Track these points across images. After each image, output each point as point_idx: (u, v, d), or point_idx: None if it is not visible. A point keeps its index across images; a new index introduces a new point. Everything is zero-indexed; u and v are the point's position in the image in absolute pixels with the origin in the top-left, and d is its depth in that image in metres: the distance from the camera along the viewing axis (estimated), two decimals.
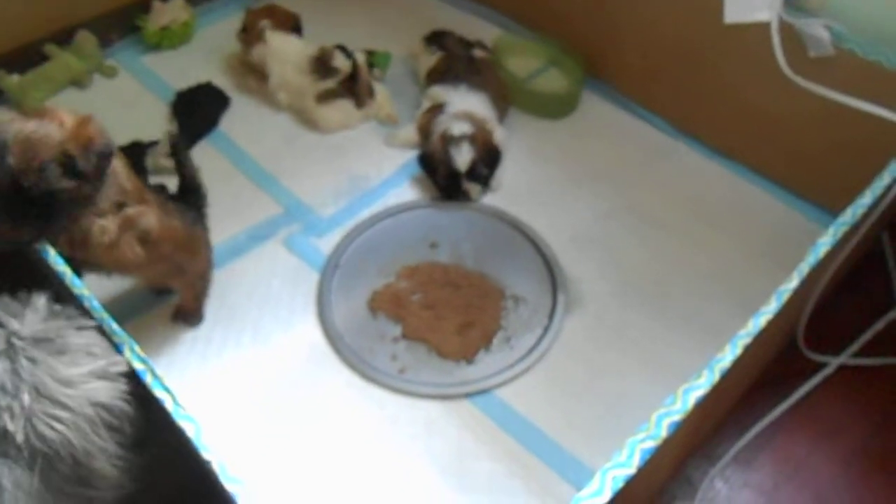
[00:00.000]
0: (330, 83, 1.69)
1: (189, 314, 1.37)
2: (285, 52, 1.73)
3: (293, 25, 1.81)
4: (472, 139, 1.54)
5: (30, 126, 0.97)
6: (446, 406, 1.28)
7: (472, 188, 1.56)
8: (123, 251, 1.09)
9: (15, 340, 0.78)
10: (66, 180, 0.97)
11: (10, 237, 1.01)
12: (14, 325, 0.79)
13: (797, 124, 1.48)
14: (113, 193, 1.06)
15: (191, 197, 1.30)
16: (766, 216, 1.57)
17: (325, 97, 1.69)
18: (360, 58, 1.72)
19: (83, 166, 0.98)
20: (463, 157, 1.52)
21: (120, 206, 1.07)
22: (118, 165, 1.07)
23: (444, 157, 1.54)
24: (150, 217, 1.12)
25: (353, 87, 1.70)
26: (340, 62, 1.69)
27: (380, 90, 1.76)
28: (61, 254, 1.03)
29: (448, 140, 1.54)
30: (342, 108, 1.71)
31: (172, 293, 1.39)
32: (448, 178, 1.55)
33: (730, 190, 1.62)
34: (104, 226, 1.05)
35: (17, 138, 0.95)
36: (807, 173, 1.55)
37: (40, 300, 0.83)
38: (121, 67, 1.87)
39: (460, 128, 1.56)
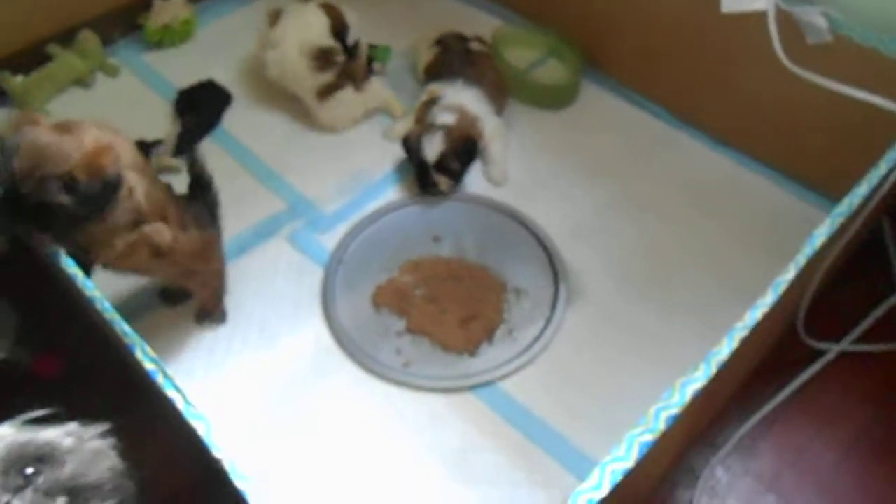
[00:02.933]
0: (328, 76, 1.67)
1: (211, 312, 1.39)
2: (306, 23, 1.69)
3: (335, 25, 1.76)
4: (448, 131, 1.54)
5: (48, 138, 0.98)
6: (450, 399, 1.30)
7: (441, 180, 1.56)
8: (135, 260, 1.12)
9: None
10: (65, 197, 0.97)
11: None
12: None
13: (796, 112, 1.49)
14: (127, 212, 1.06)
15: (202, 195, 1.29)
16: (767, 204, 1.57)
17: (325, 93, 1.68)
18: (363, 43, 1.71)
19: (85, 191, 0.98)
20: (433, 149, 1.52)
21: (136, 224, 1.08)
22: (138, 185, 1.08)
23: (417, 146, 1.54)
24: (164, 234, 1.12)
25: (349, 68, 1.68)
26: (340, 58, 1.69)
27: (374, 79, 1.75)
28: (73, 253, 1.06)
29: (426, 129, 1.55)
30: (345, 102, 1.70)
31: (186, 300, 1.41)
32: (419, 167, 1.56)
33: (730, 178, 1.63)
34: (115, 244, 1.07)
35: (31, 145, 0.96)
36: (807, 160, 1.55)
37: None
38: (123, 66, 1.88)
39: (443, 118, 1.56)
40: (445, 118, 1.56)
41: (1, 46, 1.75)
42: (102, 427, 0.76)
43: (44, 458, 0.70)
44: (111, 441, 0.76)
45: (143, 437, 1.22)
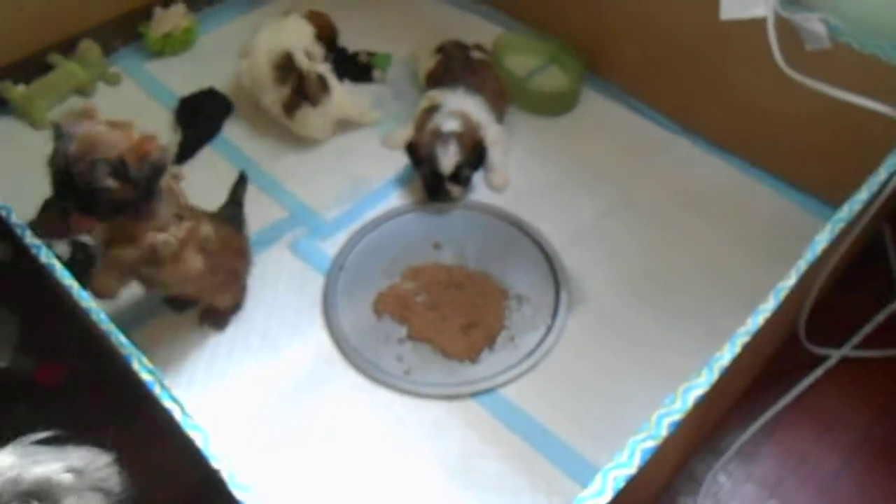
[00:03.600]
0: (284, 91, 1.65)
1: (219, 317, 1.40)
2: (285, 32, 1.69)
3: (325, 35, 1.77)
4: (459, 138, 1.53)
5: (100, 128, 1.07)
6: (452, 406, 1.30)
7: (455, 189, 1.57)
8: (186, 262, 1.18)
9: None
10: (112, 181, 1.05)
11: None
12: None
13: (795, 118, 1.49)
14: (173, 208, 1.16)
15: (235, 209, 1.49)
16: (767, 210, 1.57)
17: (288, 110, 1.66)
18: (305, 62, 1.65)
19: (133, 174, 1.06)
20: (449, 159, 1.52)
21: (179, 218, 1.17)
22: (174, 184, 1.18)
23: (430, 156, 1.54)
24: (207, 226, 1.22)
25: (302, 87, 1.64)
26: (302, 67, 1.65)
27: (336, 89, 1.68)
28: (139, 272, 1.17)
29: (436, 136, 1.54)
30: (308, 119, 1.67)
31: (192, 307, 1.42)
32: (431, 177, 1.56)
33: (731, 184, 1.62)
34: (167, 239, 1.14)
35: (86, 133, 1.05)
36: (807, 166, 1.56)
37: None
38: (124, 75, 1.88)
39: (450, 125, 1.55)
40: (451, 125, 1.56)
41: (2, 55, 1.75)
42: (108, 457, 0.72)
43: (38, 494, 0.66)
44: (115, 469, 0.74)
45: (143, 447, 1.22)
